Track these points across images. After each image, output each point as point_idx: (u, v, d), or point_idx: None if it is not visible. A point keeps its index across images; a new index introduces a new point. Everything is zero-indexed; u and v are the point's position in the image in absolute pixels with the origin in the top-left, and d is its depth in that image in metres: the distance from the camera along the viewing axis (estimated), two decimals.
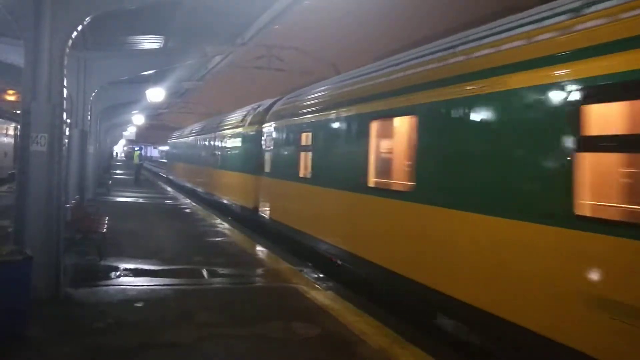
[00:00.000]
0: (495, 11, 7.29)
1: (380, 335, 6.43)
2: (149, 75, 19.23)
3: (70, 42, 7.11)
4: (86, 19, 7.15)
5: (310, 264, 10.95)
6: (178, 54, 15.31)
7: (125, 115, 32.34)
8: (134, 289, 8.15)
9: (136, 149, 43.73)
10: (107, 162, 47.17)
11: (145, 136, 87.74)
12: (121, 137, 59.12)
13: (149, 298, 7.72)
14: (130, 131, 52.50)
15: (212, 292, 8.37)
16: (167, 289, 8.30)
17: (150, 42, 15.27)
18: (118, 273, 9.08)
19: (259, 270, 9.99)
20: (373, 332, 6.53)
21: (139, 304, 7.37)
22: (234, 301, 7.83)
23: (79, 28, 7.10)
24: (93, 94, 14.92)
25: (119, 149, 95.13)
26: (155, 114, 41.69)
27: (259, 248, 12.48)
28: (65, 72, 7.11)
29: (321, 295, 8.22)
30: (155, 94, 19.02)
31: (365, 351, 5.98)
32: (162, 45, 15.32)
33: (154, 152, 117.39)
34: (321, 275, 9.93)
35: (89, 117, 14.99)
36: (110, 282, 8.54)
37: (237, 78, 35.10)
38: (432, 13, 18.32)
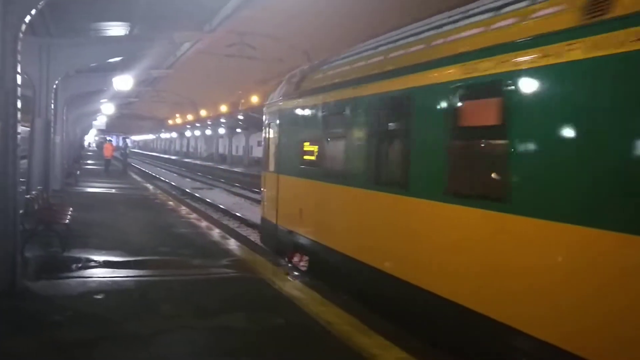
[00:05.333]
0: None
1: (345, 325, 6.38)
2: (117, 63, 18.86)
3: (24, 26, 6.85)
4: (40, 3, 6.89)
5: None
6: (145, 40, 14.98)
7: (95, 104, 31.71)
8: (95, 280, 7.97)
9: (108, 140, 43.02)
10: (77, 152, 46.37)
11: (116, 125, 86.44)
12: (91, 126, 58.03)
13: (111, 290, 7.55)
14: (101, 121, 51.52)
15: (177, 284, 8.22)
16: (130, 281, 8.13)
17: (116, 29, 14.93)
18: (80, 265, 8.87)
19: (227, 261, 9.85)
20: (338, 322, 6.48)
21: (99, 296, 7.19)
22: (198, 292, 7.71)
23: (33, 12, 6.84)
24: (57, 81, 14.52)
25: (91, 138, 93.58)
26: (126, 102, 41.02)
27: (227, 239, 12.35)
28: (19, 57, 6.85)
29: (288, 286, 8.15)
30: (123, 82, 18.64)
31: (330, 340, 5.92)
32: (128, 31, 14.98)
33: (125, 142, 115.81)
34: (289, 266, 9.86)
35: (52, 105, 14.59)
36: (71, 274, 8.34)
37: (210, 66, 34.74)
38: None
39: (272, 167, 11.99)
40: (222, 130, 67.33)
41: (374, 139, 7.81)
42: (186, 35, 14.01)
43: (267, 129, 12.63)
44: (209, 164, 62.68)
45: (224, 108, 53.29)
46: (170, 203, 19.42)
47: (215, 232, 13.06)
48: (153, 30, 14.37)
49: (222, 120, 58.75)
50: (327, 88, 9.29)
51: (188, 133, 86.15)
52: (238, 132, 64.33)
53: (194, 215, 16.03)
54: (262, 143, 13.32)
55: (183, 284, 8.25)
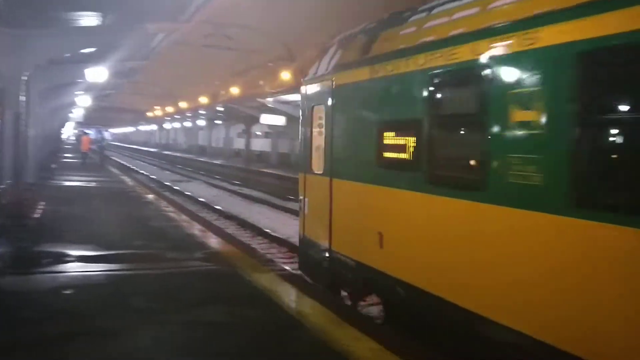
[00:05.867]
0: None
1: (319, 317, 6.35)
2: (91, 54, 18.54)
3: None
4: None
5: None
6: (118, 31, 14.70)
7: (71, 96, 31.19)
8: (66, 275, 7.82)
9: (85, 133, 42.36)
10: (55, 145, 45.69)
11: (95, 118, 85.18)
12: (68, 119, 57.14)
13: (82, 285, 7.41)
14: (78, 113, 50.66)
15: (151, 277, 8.09)
16: (102, 275, 7.99)
17: (87, 18, 14.61)
18: (52, 259, 8.69)
19: (202, 254, 9.73)
20: (311, 314, 6.45)
21: (70, 291, 7.05)
22: (172, 286, 7.60)
23: None
24: (27, 73, 14.19)
25: (70, 131, 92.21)
26: (103, 94, 40.44)
27: (204, 231, 12.23)
28: None
29: (262, 278, 8.08)
30: (97, 74, 18.29)
31: (302, 333, 5.88)
32: (100, 21, 14.68)
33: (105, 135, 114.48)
34: (266, 259, 9.80)
35: (23, 97, 14.24)
36: (42, 269, 8.17)
37: (187, 57, 34.36)
38: None
39: (318, 168, 8.53)
40: (201, 122, 66.81)
41: (574, 125, 4.26)
42: (159, 26, 13.78)
43: (309, 113, 8.95)
44: (189, 156, 62.21)
45: (203, 100, 52.82)
46: (149, 196, 19.18)
47: (193, 225, 12.93)
48: (126, 20, 14.10)
49: (202, 112, 58.22)
50: (433, 46, 5.88)
51: (167, 125, 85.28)
52: (218, 124, 63.87)
53: (171, 208, 15.86)
54: (300, 133, 9.39)
55: (157, 277, 8.11)
